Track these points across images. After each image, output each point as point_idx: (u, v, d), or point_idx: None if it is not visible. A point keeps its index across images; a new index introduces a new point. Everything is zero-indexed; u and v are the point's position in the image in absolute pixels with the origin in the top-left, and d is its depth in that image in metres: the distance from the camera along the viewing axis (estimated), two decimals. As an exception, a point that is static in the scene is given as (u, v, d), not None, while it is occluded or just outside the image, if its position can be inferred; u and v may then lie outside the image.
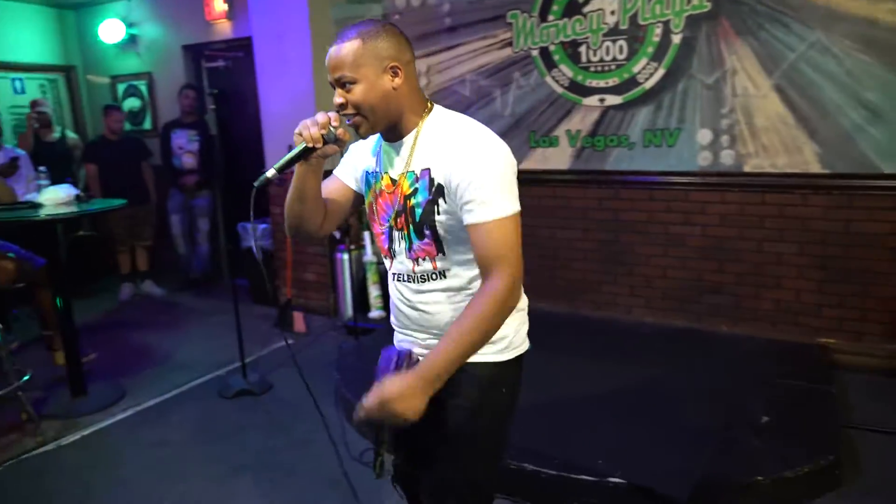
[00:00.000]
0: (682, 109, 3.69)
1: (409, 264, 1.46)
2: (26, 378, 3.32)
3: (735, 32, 3.47)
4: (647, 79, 3.76)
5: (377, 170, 1.50)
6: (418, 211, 1.39)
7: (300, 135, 1.36)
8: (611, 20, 3.80)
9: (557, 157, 4.14)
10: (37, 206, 3.41)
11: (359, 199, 1.59)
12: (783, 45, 3.37)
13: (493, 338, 1.40)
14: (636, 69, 3.78)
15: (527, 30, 4.08)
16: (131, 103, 6.21)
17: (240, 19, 5.21)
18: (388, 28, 1.36)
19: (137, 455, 2.97)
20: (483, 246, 1.32)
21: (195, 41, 5.66)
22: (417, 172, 1.40)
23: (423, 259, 1.43)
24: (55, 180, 3.77)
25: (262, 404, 3.42)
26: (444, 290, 1.45)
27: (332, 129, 1.35)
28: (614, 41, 3.82)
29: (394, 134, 1.43)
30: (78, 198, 3.51)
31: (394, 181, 1.44)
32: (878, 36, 3.16)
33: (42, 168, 3.89)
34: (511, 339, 1.48)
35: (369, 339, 3.95)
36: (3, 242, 3.80)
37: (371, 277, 4.46)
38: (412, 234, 1.42)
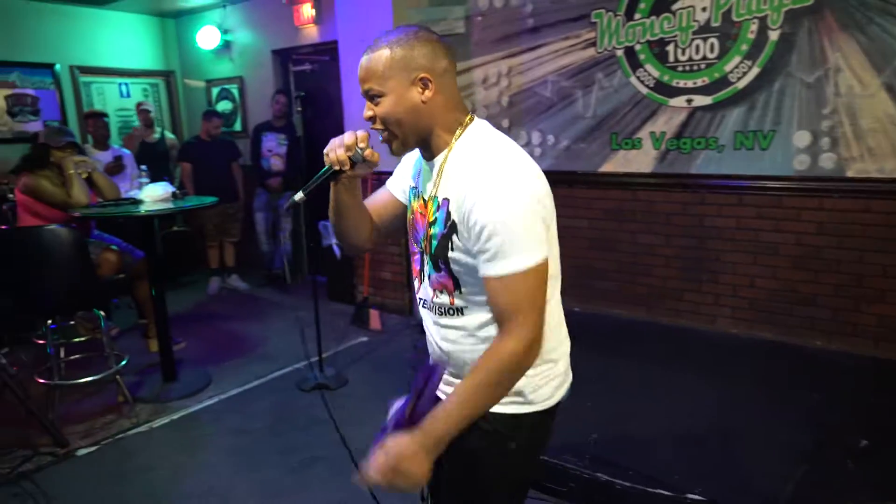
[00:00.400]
0: (778, 110, 3.49)
1: (430, 292, 1.37)
2: (124, 363, 3.56)
3: (840, 27, 3.24)
4: (739, 78, 3.58)
5: (417, 187, 1.42)
6: (434, 242, 1.30)
7: (327, 156, 1.30)
8: (702, 17, 3.64)
9: (640, 160, 4.01)
10: (138, 202, 3.65)
11: (404, 207, 1.52)
12: (895, 40, 3.12)
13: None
14: (728, 68, 3.61)
15: (612, 29, 3.98)
16: (223, 106, 6.54)
17: (326, 24, 5.39)
18: (420, 35, 1.25)
19: (221, 441, 3.11)
20: (496, 301, 1.21)
21: (284, 46, 5.89)
22: (440, 201, 1.29)
23: (441, 292, 1.33)
24: (154, 178, 4.03)
25: (338, 398, 3.50)
26: (460, 329, 1.33)
27: (358, 150, 1.29)
28: (705, 39, 3.66)
29: (427, 152, 1.34)
30: (174, 195, 3.73)
31: (425, 202, 1.36)
32: None
33: (143, 167, 4.16)
34: (528, 397, 1.32)
35: (443, 340, 3.96)
36: (108, 236, 4.09)
37: (446, 278, 4.49)
38: (430, 265, 1.34)
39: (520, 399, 1.32)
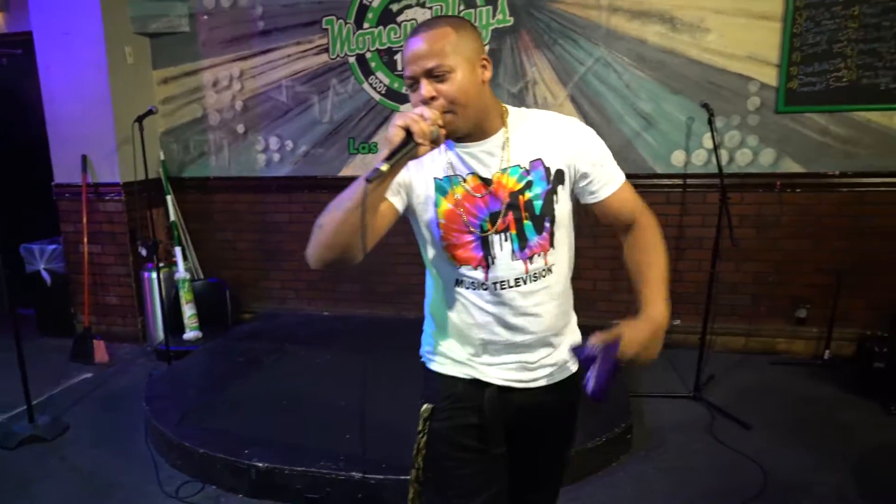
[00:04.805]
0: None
1: (518, 266, 1.35)
2: None
3: (535, 45, 3.75)
4: (459, 88, 3.93)
5: (456, 173, 1.34)
6: (538, 203, 1.33)
7: (405, 128, 1.14)
8: (423, 30, 3.91)
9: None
10: None
11: (396, 218, 1.38)
12: (574, 59, 3.71)
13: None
14: (447, 78, 3.93)
15: (343, 36, 4.06)
16: None
17: (15, 11, 4.55)
18: (470, 23, 1.34)
19: None
20: (623, 207, 1.42)
21: (-45, 35, 4.85)
22: (526, 165, 1.32)
23: (538, 255, 1.36)
24: None
25: (57, 449, 2.99)
26: (549, 288, 1.39)
27: (436, 127, 1.18)
28: (427, 51, 3.93)
29: (479, 133, 1.31)
30: None
31: (487, 181, 1.32)
32: (647, 54, 3.62)
33: None
34: None
35: (184, 363, 3.62)
36: None
37: (184, 296, 4.12)
38: (528, 231, 1.34)
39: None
